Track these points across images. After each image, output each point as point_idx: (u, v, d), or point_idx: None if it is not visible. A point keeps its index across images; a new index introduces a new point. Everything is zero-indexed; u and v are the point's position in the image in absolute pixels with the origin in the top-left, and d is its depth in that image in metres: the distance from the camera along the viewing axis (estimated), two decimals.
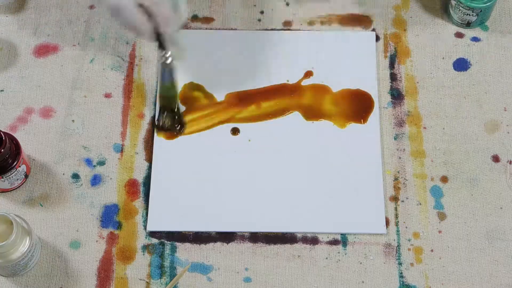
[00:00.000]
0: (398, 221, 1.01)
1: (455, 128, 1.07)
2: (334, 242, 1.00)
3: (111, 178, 1.04)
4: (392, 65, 1.10)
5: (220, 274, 0.99)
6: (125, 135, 1.06)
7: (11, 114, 1.08)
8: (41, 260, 0.99)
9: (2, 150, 0.97)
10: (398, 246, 1.00)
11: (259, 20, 1.14)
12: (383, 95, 1.09)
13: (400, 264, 0.99)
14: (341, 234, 1.01)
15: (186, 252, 1.00)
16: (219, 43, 1.12)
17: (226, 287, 0.98)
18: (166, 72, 1.04)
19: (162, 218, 1.01)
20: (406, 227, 1.01)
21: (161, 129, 1.06)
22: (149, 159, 1.05)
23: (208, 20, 1.14)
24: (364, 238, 1.00)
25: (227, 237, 1.01)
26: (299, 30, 1.13)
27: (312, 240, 1.00)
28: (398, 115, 1.07)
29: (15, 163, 0.99)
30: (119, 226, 1.01)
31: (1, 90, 1.09)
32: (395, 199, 1.03)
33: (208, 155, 1.05)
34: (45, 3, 1.15)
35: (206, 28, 1.13)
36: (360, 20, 1.14)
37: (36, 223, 1.01)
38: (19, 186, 1.03)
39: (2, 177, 0.99)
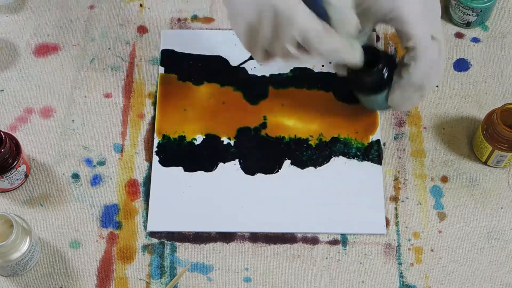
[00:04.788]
0: (398, 221, 1.01)
1: (455, 128, 1.07)
2: (334, 242, 1.00)
3: (111, 178, 1.04)
4: None
5: (220, 274, 0.99)
6: (125, 135, 1.06)
7: (11, 114, 1.08)
8: (41, 260, 0.99)
9: (2, 150, 0.97)
10: (398, 246, 1.00)
11: None
12: None
13: (400, 264, 0.99)
14: (341, 234, 1.01)
15: (186, 252, 1.00)
16: (219, 43, 1.12)
17: (226, 287, 0.98)
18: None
19: (162, 218, 1.01)
20: (406, 227, 1.01)
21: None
22: (149, 159, 1.05)
23: (208, 20, 1.14)
24: (364, 238, 1.00)
25: (227, 237, 1.01)
26: None
27: (312, 240, 1.00)
28: (398, 115, 1.07)
29: (15, 163, 0.99)
30: (119, 226, 1.01)
31: (1, 90, 1.09)
32: (395, 199, 1.03)
33: (208, 155, 1.05)
34: (45, 3, 1.15)
35: (206, 28, 1.13)
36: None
37: (36, 223, 1.01)
38: (19, 186, 1.03)
39: (2, 177, 0.99)
